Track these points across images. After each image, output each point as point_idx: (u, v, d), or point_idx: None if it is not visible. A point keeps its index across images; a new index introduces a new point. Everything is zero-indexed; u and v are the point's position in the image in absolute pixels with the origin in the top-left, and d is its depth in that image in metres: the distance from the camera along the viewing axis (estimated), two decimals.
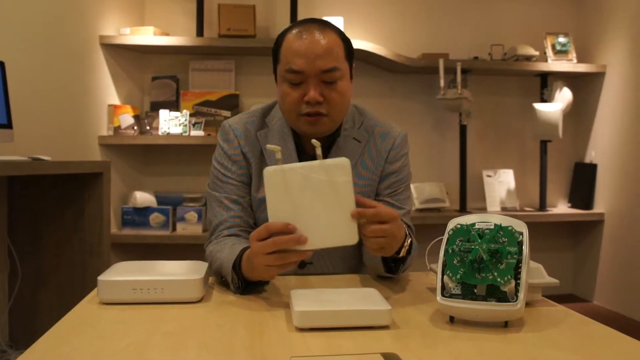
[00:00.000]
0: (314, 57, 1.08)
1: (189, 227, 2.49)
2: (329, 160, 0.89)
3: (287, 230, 0.87)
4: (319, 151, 0.89)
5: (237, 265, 0.99)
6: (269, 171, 0.88)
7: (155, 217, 2.48)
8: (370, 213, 0.89)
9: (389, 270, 1.07)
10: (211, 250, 1.13)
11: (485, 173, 2.90)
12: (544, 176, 2.88)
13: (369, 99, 2.84)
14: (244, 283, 1.00)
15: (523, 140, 3.00)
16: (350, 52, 1.16)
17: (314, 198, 0.87)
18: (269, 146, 0.91)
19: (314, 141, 0.89)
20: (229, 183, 1.19)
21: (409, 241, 1.03)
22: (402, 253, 1.01)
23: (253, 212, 1.20)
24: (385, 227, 0.91)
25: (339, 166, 0.88)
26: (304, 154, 1.20)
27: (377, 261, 1.06)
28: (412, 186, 2.68)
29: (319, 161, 0.89)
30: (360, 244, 1.06)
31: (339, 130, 1.20)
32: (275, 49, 1.16)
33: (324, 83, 1.10)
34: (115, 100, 2.56)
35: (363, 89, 2.83)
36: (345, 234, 0.86)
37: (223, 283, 1.07)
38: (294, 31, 1.11)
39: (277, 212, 0.87)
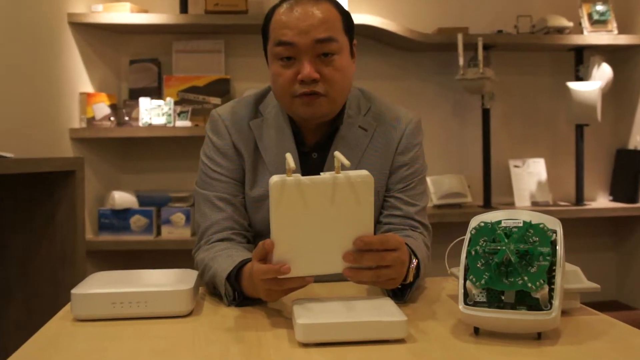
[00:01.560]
0: (306, 27, 1.08)
1: (176, 230, 2.50)
2: (351, 174, 0.87)
3: (282, 258, 0.86)
4: (337, 163, 0.85)
5: (232, 277, 1.00)
6: (277, 183, 0.84)
7: (136, 220, 2.49)
8: (377, 240, 0.88)
9: (394, 296, 1.06)
10: (202, 258, 1.13)
11: (512, 163, 2.90)
12: (580, 165, 2.87)
13: (377, 81, 2.83)
14: (240, 296, 1.00)
15: (556, 125, 3.00)
16: (350, 26, 1.16)
17: (327, 218, 0.85)
18: (287, 155, 0.88)
19: (336, 153, 0.86)
20: (220, 180, 1.19)
21: (415, 263, 1.01)
22: (410, 278, 0.99)
23: (247, 213, 1.21)
24: (395, 255, 0.90)
25: (363, 183, 0.86)
26: (303, 145, 1.20)
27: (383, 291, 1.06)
28: (427, 179, 2.67)
29: (339, 175, 0.86)
30: None
31: (341, 117, 1.21)
32: (264, 27, 1.17)
33: (319, 58, 1.10)
34: (88, 88, 2.56)
35: (370, 71, 2.82)
36: None
37: (215, 294, 1.08)
38: (284, 5, 1.12)
39: (281, 231, 0.85)
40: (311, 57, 1.10)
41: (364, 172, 0.87)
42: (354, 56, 1.20)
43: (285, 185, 0.85)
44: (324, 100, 1.13)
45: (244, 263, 1.01)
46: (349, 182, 0.86)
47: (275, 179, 0.85)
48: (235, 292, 1.00)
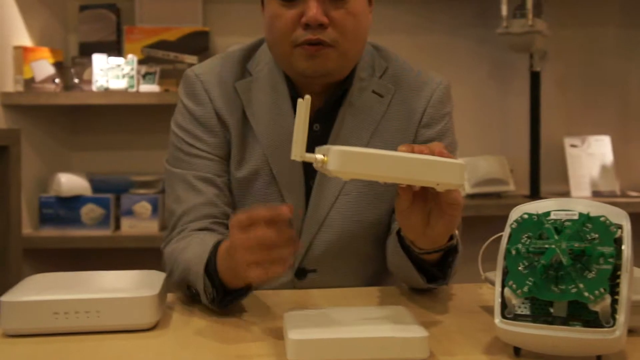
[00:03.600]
0: None
1: (140, 223, 2.51)
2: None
3: (278, 218, 0.88)
4: (302, 108, 0.87)
5: (211, 264, 1.01)
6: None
7: (89, 211, 2.49)
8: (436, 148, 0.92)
9: (431, 278, 1.08)
10: (172, 251, 1.15)
11: (568, 142, 2.89)
12: None
13: (396, 35, 2.82)
14: (221, 292, 1.01)
15: (626, 93, 2.98)
16: None
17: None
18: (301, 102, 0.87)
19: (305, 98, 0.87)
20: (199, 157, 1.21)
21: (456, 231, 1.05)
22: (453, 241, 1.04)
23: (233, 198, 1.22)
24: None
25: None
26: None
27: (409, 265, 1.07)
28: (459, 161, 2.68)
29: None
30: (383, 237, 1.06)
31: (352, 79, 1.21)
32: None
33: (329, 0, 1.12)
34: (26, 41, 2.55)
35: (387, 23, 2.81)
36: None
37: (189, 297, 1.09)
38: None
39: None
40: None
41: None
42: (372, 3, 1.21)
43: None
44: (332, 52, 1.14)
45: (219, 245, 1.02)
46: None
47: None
48: (214, 287, 1.01)
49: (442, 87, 1.25)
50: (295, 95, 1.20)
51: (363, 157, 0.85)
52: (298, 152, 0.86)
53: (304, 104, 0.85)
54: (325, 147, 0.86)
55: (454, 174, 0.88)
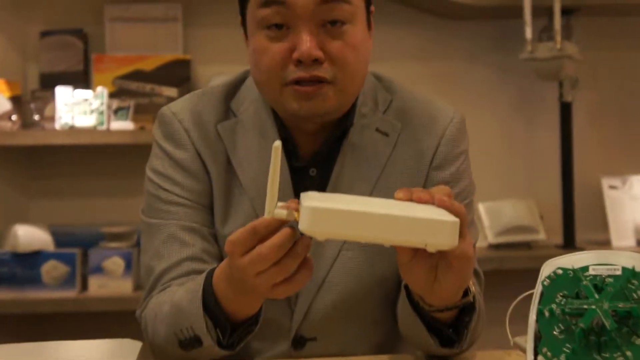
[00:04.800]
0: None
1: (111, 282, 2.49)
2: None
3: (275, 223, 0.90)
4: (274, 157, 0.89)
5: (209, 297, 1.01)
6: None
7: (51, 269, 2.47)
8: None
9: (445, 341, 1.07)
10: (152, 308, 1.15)
11: (606, 182, 2.89)
12: None
13: (405, 62, 2.84)
14: (228, 327, 1.02)
15: None
16: None
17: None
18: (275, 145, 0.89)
19: (276, 143, 0.88)
20: (181, 204, 1.21)
21: (473, 287, 1.05)
22: (471, 294, 1.03)
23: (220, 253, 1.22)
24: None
25: None
26: (296, 157, 1.22)
27: (418, 324, 1.07)
28: (479, 207, 2.67)
29: None
30: (393, 296, 1.06)
31: (352, 115, 1.22)
32: None
33: (324, 29, 1.12)
34: None
35: (391, 47, 2.82)
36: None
37: (182, 357, 1.07)
38: None
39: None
40: (312, 25, 1.11)
41: None
42: (371, 28, 1.21)
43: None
44: (330, 91, 1.14)
45: (212, 274, 1.03)
46: None
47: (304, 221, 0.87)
48: (217, 326, 1.02)
49: (456, 121, 1.26)
50: (286, 137, 1.20)
51: (338, 216, 0.85)
52: (268, 207, 0.88)
53: (274, 152, 0.87)
54: (303, 197, 0.88)
55: (445, 234, 0.87)
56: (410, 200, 0.91)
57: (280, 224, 0.90)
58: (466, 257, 0.93)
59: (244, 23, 1.21)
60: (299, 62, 1.11)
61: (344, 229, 0.85)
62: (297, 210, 0.88)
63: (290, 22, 1.11)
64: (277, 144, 0.86)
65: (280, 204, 0.90)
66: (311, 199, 0.87)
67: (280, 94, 1.15)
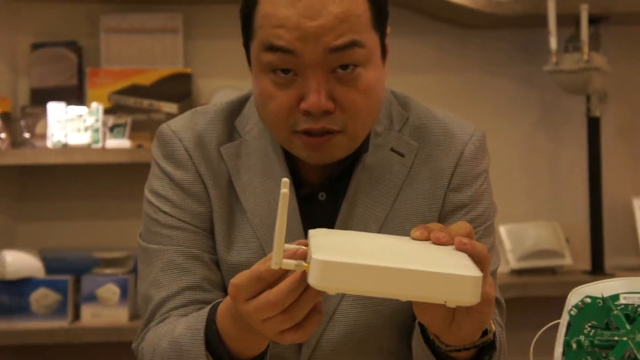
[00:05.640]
0: (315, 28, 1.07)
1: (105, 311, 2.48)
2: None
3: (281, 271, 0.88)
4: (281, 202, 0.87)
5: (212, 334, 1.01)
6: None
7: (41, 297, 2.47)
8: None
9: None
10: (151, 340, 1.15)
11: (638, 203, 2.87)
12: None
13: (422, 74, 2.84)
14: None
15: None
16: (381, 13, 1.16)
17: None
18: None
19: (283, 190, 0.86)
20: (181, 229, 1.22)
21: (493, 326, 1.03)
22: (491, 332, 1.02)
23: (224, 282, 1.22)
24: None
25: None
26: (302, 186, 1.22)
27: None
28: (500, 229, 2.67)
29: None
30: (408, 327, 1.05)
31: (366, 143, 1.22)
32: (245, 11, 1.16)
33: (334, 75, 1.10)
34: None
35: (411, 60, 2.82)
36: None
37: None
38: None
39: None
40: (322, 72, 1.10)
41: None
42: (386, 52, 1.20)
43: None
44: (340, 140, 1.14)
45: (216, 308, 1.03)
46: None
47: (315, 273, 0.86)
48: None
49: (476, 139, 1.26)
50: (292, 163, 1.21)
51: (351, 270, 0.83)
52: (275, 258, 0.87)
53: (282, 199, 0.85)
54: (312, 239, 0.88)
55: (466, 291, 0.84)
56: (428, 239, 0.91)
57: (280, 271, 0.89)
58: (487, 300, 0.91)
59: (247, 54, 1.20)
60: (307, 113, 1.11)
61: (357, 284, 0.83)
62: (306, 258, 0.87)
63: (298, 70, 1.10)
64: (285, 191, 0.84)
65: (287, 246, 0.88)
66: (320, 246, 0.86)
67: (288, 140, 1.15)
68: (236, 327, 0.98)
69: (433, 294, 0.83)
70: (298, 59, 1.09)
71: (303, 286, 0.88)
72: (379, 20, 1.15)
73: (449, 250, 0.89)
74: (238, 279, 0.91)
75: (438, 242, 0.90)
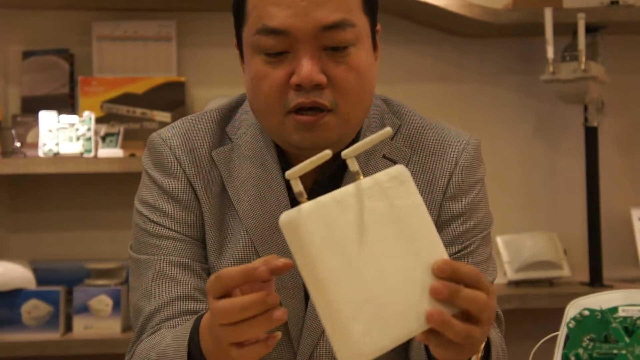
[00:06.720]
0: (306, 5, 1.10)
1: (97, 323, 2.48)
2: (378, 176, 0.90)
3: (255, 276, 0.86)
4: (296, 186, 0.87)
5: (195, 346, 1.00)
6: (290, 222, 0.86)
7: (32, 308, 2.47)
8: (465, 270, 0.88)
9: None
10: (141, 351, 1.14)
11: (636, 214, 2.87)
12: None
13: (418, 84, 2.84)
14: None
15: None
16: (372, 2, 1.19)
17: (367, 246, 0.88)
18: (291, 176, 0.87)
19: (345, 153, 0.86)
20: (171, 238, 1.22)
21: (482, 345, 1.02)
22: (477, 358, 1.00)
23: None
24: (484, 299, 0.89)
25: (396, 179, 0.91)
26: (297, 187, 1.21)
27: None
28: (497, 240, 2.67)
29: (365, 181, 0.89)
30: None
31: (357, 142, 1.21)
32: (237, 2, 1.18)
33: (326, 53, 1.12)
34: None
35: (405, 68, 2.83)
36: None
37: None
38: None
39: (326, 290, 0.86)
40: (314, 49, 1.12)
41: (397, 167, 0.91)
42: (377, 49, 1.22)
43: (304, 220, 0.85)
44: (331, 120, 1.14)
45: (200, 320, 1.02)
46: (377, 185, 0.90)
47: (285, 216, 0.86)
48: None
49: (470, 148, 1.26)
50: (286, 166, 1.20)
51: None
52: None
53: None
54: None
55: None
56: (450, 277, 0.89)
57: (250, 279, 0.87)
58: (490, 312, 0.91)
59: (239, 45, 1.21)
60: (299, 87, 1.12)
61: None
62: None
63: (289, 49, 1.12)
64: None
65: None
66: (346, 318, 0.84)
67: (280, 124, 1.15)
68: (212, 339, 0.97)
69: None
70: (291, 38, 1.11)
71: (263, 308, 0.86)
72: (369, 4, 1.17)
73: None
74: (224, 270, 0.89)
75: (436, 295, 0.87)
